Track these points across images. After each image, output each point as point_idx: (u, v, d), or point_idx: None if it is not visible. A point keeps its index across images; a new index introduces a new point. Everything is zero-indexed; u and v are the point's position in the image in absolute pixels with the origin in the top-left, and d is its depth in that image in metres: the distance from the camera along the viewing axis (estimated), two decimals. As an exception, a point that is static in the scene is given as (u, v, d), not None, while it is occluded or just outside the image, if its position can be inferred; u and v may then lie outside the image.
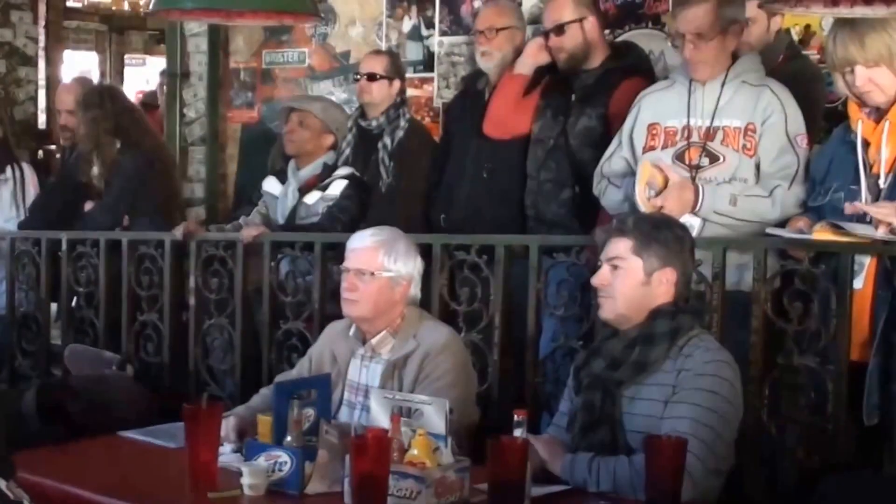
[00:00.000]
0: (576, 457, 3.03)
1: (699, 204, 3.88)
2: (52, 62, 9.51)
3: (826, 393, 3.60)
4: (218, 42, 6.78)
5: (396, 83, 5.18)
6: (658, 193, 3.90)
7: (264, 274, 4.89)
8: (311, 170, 5.17)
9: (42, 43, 9.41)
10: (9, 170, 6.05)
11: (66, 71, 9.98)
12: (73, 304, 5.61)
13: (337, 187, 5.02)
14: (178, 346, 5.18)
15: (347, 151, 5.17)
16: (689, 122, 4.03)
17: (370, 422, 3.05)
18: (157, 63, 10.92)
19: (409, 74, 5.72)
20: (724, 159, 3.97)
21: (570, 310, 4.20)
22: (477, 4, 5.74)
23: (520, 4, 5.46)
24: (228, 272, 5.01)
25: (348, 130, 5.21)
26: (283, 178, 5.26)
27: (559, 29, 4.56)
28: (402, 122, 5.10)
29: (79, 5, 12.03)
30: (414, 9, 6.07)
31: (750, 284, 3.81)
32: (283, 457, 2.95)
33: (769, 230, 3.83)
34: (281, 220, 5.14)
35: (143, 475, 3.20)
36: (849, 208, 3.57)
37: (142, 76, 13.13)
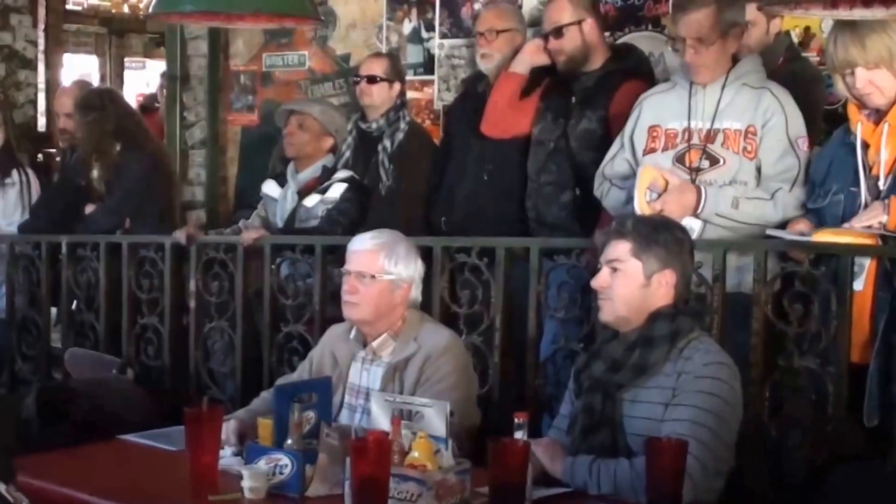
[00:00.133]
0: (576, 459, 3.03)
1: (701, 206, 3.89)
2: (52, 65, 9.51)
3: (827, 394, 3.60)
4: (218, 45, 6.78)
5: (396, 86, 5.18)
6: (660, 196, 3.90)
7: (265, 277, 4.89)
8: (310, 172, 5.17)
9: (41, 46, 9.40)
10: (15, 174, 6.05)
11: (65, 74, 9.99)
12: (74, 307, 5.60)
13: (336, 190, 5.02)
14: (178, 349, 5.18)
15: (347, 154, 5.17)
16: (689, 124, 4.03)
17: (371, 424, 3.06)
18: (157, 66, 10.94)
19: (409, 77, 5.73)
20: (724, 162, 3.97)
21: (570, 312, 4.21)
22: (477, 7, 5.74)
23: (520, 7, 5.46)
24: (229, 275, 5.01)
25: (348, 133, 5.21)
26: (282, 181, 5.26)
27: (558, 31, 4.56)
28: (403, 125, 5.11)
29: (78, 8, 12.06)
30: (414, 11, 6.07)
31: (750, 286, 3.81)
32: (284, 460, 2.95)
33: (769, 232, 3.84)
34: (280, 223, 5.14)
35: (143, 479, 3.20)
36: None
37: (142, 79, 13.16)
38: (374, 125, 5.15)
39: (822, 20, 4.56)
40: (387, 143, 5.06)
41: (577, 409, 3.18)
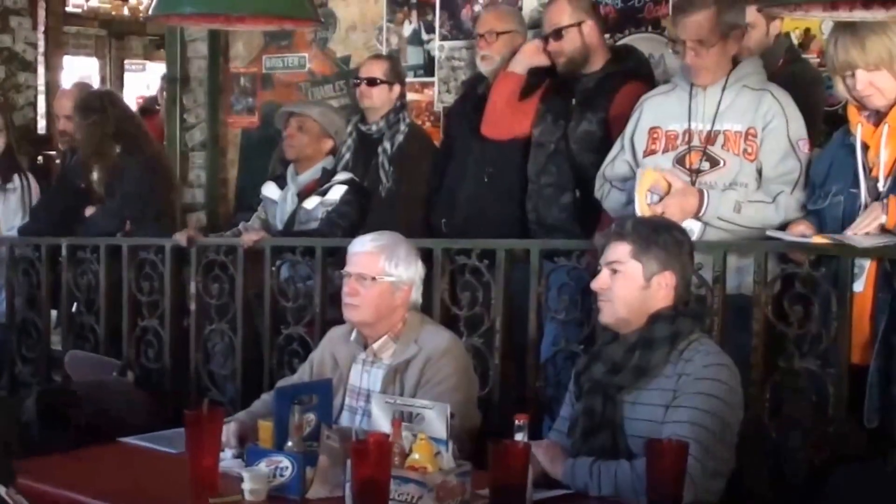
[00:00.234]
0: (577, 461, 3.03)
1: (703, 210, 3.88)
2: (52, 67, 9.52)
3: (827, 395, 3.60)
4: (218, 47, 6.79)
5: (397, 87, 5.18)
6: (662, 199, 3.90)
7: (265, 279, 4.89)
8: (310, 174, 5.17)
9: (41, 48, 9.41)
10: (16, 178, 6.06)
11: (65, 76, 10.00)
12: (74, 309, 5.60)
13: (336, 192, 5.02)
14: (178, 351, 5.18)
15: (347, 156, 5.17)
16: (689, 126, 4.03)
17: (371, 426, 3.06)
18: (157, 68, 10.94)
19: (409, 79, 5.73)
20: (724, 163, 3.97)
21: (570, 314, 4.21)
22: (477, 9, 5.75)
23: (520, 8, 5.47)
24: (229, 277, 5.01)
25: (348, 135, 5.21)
26: (282, 183, 5.26)
27: (557, 33, 4.57)
28: (403, 127, 5.11)
29: (78, 10, 12.06)
30: (414, 13, 6.07)
31: (750, 288, 3.81)
32: (285, 462, 2.95)
33: (769, 233, 3.84)
34: (280, 226, 5.14)
35: (144, 481, 3.19)
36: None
37: (142, 81, 13.17)
38: (374, 127, 5.15)
39: (822, 22, 4.56)
40: (387, 145, 5.06)
41: (577, 412, 3.18)
